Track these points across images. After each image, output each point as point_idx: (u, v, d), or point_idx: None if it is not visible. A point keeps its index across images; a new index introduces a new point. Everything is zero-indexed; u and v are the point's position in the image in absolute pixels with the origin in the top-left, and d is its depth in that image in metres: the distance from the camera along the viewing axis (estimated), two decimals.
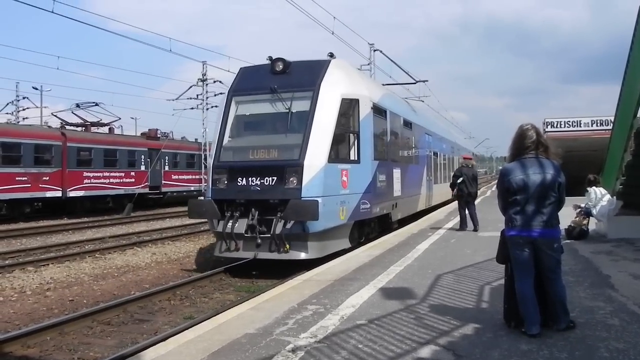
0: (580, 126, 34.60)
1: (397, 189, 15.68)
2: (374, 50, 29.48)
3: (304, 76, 12.20)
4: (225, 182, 11.53)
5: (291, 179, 10.92)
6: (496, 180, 7.93)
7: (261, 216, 11.00)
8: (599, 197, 12.52)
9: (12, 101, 50.31)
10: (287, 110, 11.82)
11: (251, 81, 12.75)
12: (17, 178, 25.25)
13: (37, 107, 49.67)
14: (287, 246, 10.88)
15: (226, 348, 5.08)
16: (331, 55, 13.12)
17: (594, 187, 12.73)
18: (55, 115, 34.76)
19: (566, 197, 5.42)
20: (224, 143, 12.17)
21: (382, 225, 15.08)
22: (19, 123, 44.22)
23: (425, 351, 4.81)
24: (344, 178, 11.82)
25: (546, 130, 32.03)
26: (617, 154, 12.60)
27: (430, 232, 14.27)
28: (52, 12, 13.74)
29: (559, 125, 34.81)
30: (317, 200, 10.47)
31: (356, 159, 12.43)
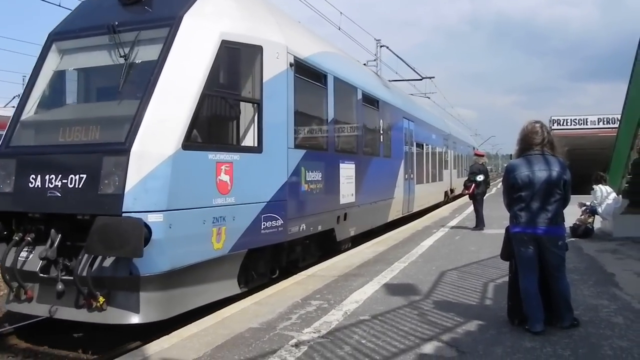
0: (586, 124, 34.61)
1: (347, 193, 11.14)
2: (381, 46, 29.34)
3: (162, 7, 7.38)
4: (13, 181, 6.81)
5: (110, 178, 6.17)
6: (501, 178, 7.92)
7: (72, 242, 6.49)
8: (605, 195, 12.47)
9: (19, 95, 50.75)
10: (125, 61, 7.05)
11: (87, 18, 7.82)
12: None
13: None
14: (101, 299, 6.16)
15: (230, 342, 5.10)
16: None
17: (600, 185, 12.67)
18: None
19: (572, 195, 5.43)
20: (22, 116, 7.41)
21: (324, 246, 10.67)
22: None
23: (429, 347, 4.82)
24: (224, 177, 7.04)
25: (553, 127, 31.99)
26: (623, 152, 12.58)
27: (435, 229, 14.25)
28: (59, 5, 13.75)
29: (565, 123, 34.80)
30: (140, 219, 5.85)
31: (255, 144, 7.71)
